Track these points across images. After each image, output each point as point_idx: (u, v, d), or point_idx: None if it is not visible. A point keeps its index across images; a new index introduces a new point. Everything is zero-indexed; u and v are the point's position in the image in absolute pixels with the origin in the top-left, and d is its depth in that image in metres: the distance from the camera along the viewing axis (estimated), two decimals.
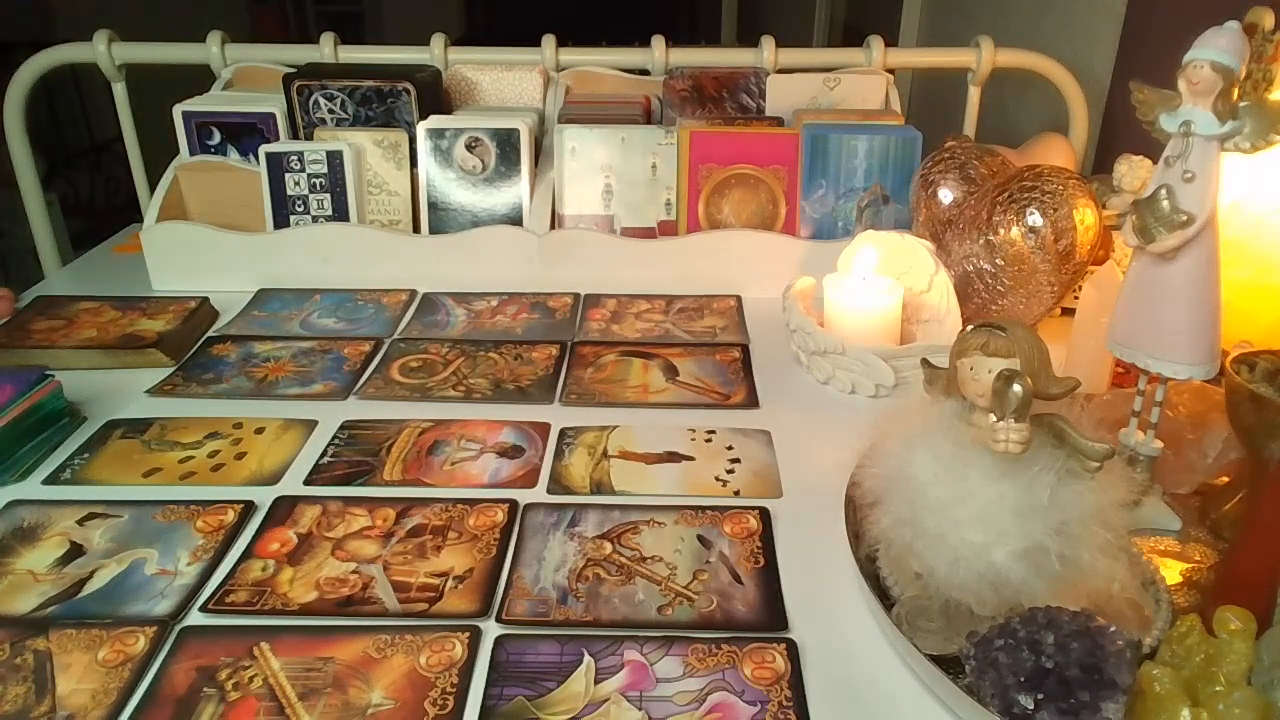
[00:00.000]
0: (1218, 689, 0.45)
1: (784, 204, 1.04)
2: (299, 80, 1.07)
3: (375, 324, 0.96)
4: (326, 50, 1.20)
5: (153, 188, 1.08)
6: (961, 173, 0.89)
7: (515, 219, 1.06)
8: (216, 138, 1.10)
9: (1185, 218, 0.56)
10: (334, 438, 0.76)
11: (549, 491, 0.69)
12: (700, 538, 0.64)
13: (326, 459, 0.73)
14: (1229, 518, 0.63)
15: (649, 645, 0.54)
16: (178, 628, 0.56)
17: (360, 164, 1.05)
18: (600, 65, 1.23)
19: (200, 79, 1.19)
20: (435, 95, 1.13)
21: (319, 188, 1.04)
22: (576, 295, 1.03)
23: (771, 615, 0.57)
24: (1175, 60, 0.55)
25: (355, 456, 0.73)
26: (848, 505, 0.60)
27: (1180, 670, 0.47)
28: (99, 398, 0.81)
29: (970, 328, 0.50)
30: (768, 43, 1.19)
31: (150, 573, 0.60)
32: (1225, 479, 0.67)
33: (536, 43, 1.22)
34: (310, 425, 0.78)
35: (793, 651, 0.54)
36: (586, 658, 0.53)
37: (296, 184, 1.04)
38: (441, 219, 1.06)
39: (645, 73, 1.23)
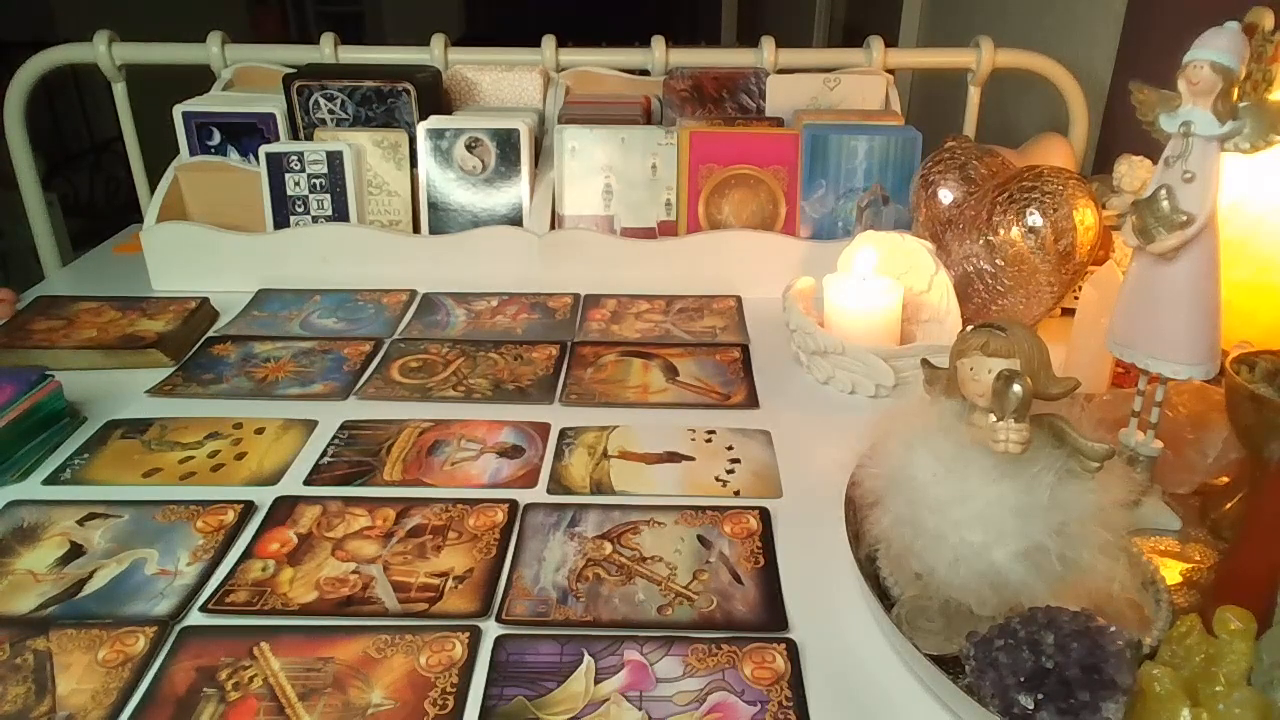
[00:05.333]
0: (1218, 689, 0.45)
1: (784, 204, 1.04)
2: (299, 80, 1.07)
3: (375, 324, 0.96)
4: (326, 50, 1.20)
5: (153, 188, 1.08)
6: (961, 173, 0.89)
7: (515, 219, 1.06)
8: (216, 138, 1.10)
9: (1185, 218, 0.56)
10: (334, 438, 0.76)
11: (549, 491, 0.69)
12: (700, 538, 0.64)
13: (326, 459, 0.73)
14: (1229, 518, 0.63)
15: (649, 645, 0.54)
16: (178, 628, 0.56)
17: (360, 164, 1.05)
18: (600, 65, 1.23)
19: (200, 79, 1.19)
20: (435, 95, 1.13)
21: (319, 188, 1.04)
22: (576, 295, 1.03)
23: (771, 615, 0.57)
24: (1175, 60, 0.55)
25: (355, 456, 0.73)
26: (848, 505, 0.60)
27: (1180, 670, 0.47)
28: (99, 398, 0.81)
29: (970, 328, 0.50)
30: (768, 43, 1.19)
31: (150, 573, 0.60)
32: (1225, 479, 0.67)
33: (536, 43, 1.22)
34: (310, 425, 0.78)
35: (793, 651, 0.54)
36: (586, 658, 0.53)
37: (296, 184, 1.04)
38: (441, 219, 1.06)
39: (645, 73, 1.23)
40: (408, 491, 0.69)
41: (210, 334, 0.94)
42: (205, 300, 0.98)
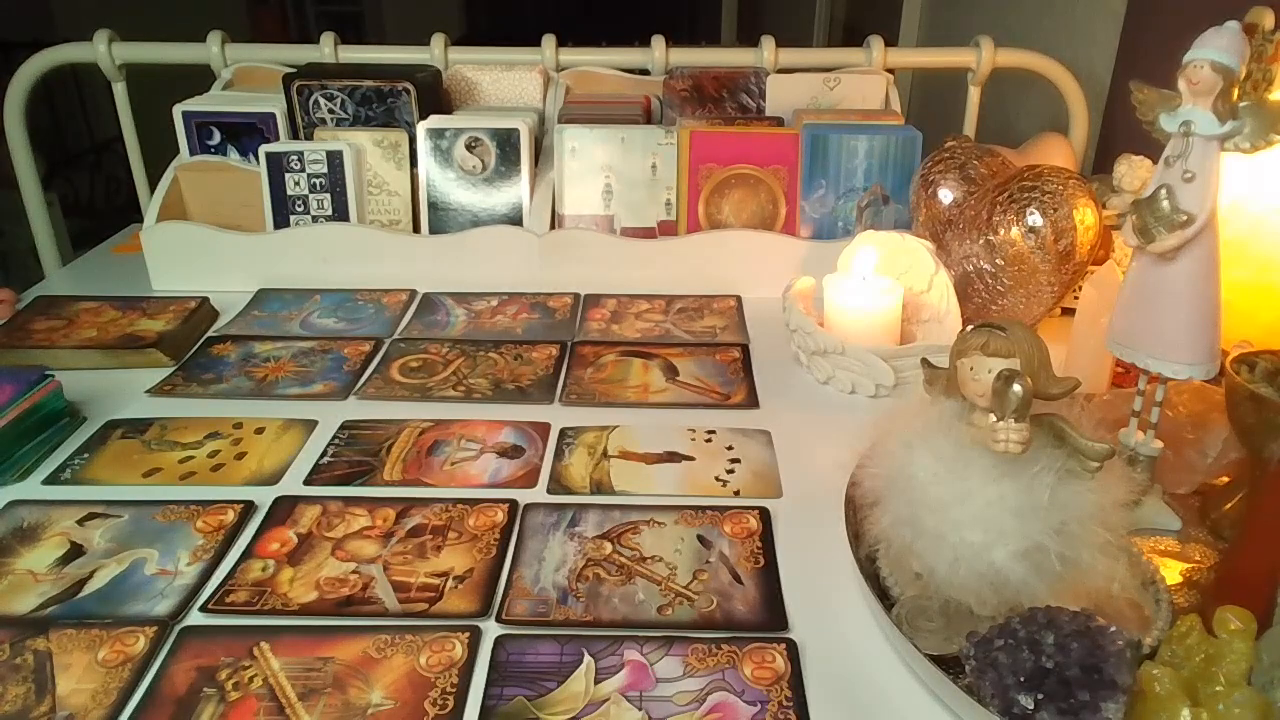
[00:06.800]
0: (1218, 689, 0.45)
1: (784, 204, 1.04)
2: (299, 80, 1.07)
3: (375, 324, 0.96)
4: (326, 50, 1.20)
5: (153, 188, 1.08)
6: (961, 173, 0.89)
7: (515, 219, 1.06)
8: (216, 138, 1.10)
9: (1185, 218, 0.56)
10: (334, 438, 0.76)
11: (549, 491, 0.69)
12: (700, 538, 0.64)
13: (326, 459, 0.73)
14: (1229, 518, 0.63)
15: (649, 645, 0.54)
16: (178, 628, 0.56)
17: (360, 164, 1.05)
18: (600, 65, 1.23)
19: (200, 79, 1.19)
20: (435, 95, 1.13)
21: (319, 188, 1.04)
22: (576, 295, 1.03)
23: (771, 615, 0.57)
24: (1175, 60, 0.55)
25: (355, 456, 0.73)
26: (848, 505, 0.60)
27: (1180, 670, 0.47)
28: (99, 398, 0.81)
29: (970, 328, 0.50)
30: (768, 43, 1.19)
31: (150, 573, 0.60)
32: (1225, 479, 0.67)
33: (536, 43, 1.22)
34: (310, 425, 0.78)
35: (793, 651, 0.54)
36: (586, 658, 0.53)
37: (296, 184, 1.04)
38: (441, 219, 1.06)
39: (645, 73, 1.23)
40: (408, 491, 0.69)
41: (210, 334, 0.94)
42: (205, 300, 0.98)
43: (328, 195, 1.04)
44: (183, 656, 0.53)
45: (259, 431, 0.77)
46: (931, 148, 0.96)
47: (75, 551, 0.62)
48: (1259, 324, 0.74)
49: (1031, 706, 0.44)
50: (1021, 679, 0.45)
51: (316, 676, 0.52)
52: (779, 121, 1.10)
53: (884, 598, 0.55)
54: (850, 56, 1.21)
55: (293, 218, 1.05)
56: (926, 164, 0.92)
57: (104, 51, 1.19)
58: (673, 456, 0.73)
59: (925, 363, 0.54)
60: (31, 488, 0.70)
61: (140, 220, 1.16)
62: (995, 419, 0.47)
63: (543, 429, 0.77)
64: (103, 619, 0.56)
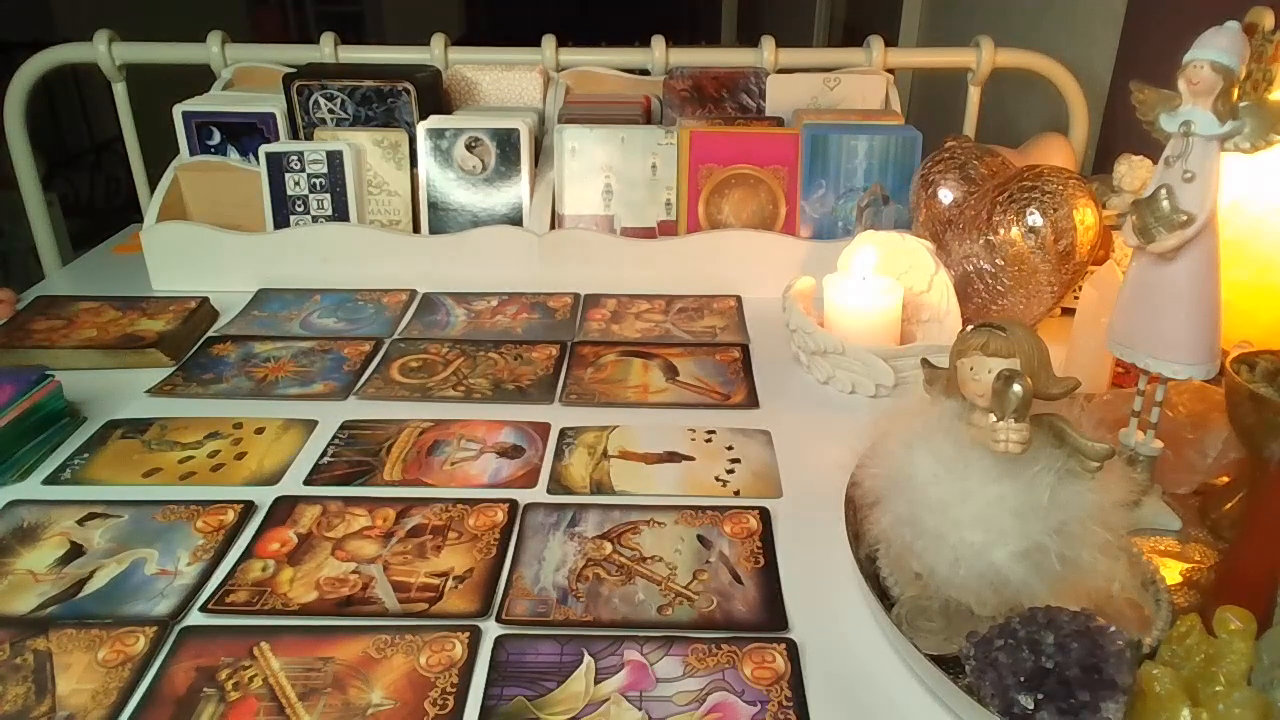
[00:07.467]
0: (1218, 689, 0.45)
1: (784, 204, 1.04)
2: (299, 80, 1.07)
3: (375, 324, 0.96)
4: (326, 50, 1.20)
5: (153, 188, 1.08)
6: (961, 173, 0.89)
7: (515, 219, 1.06)
8: (216, 138, 1.10)
9: (1185, 218, 0.56)
10: (334, 438, 0.76)
11: (549, 491, 0.69)
12: (700, 538, 0.64)
13: (326, 459, 0.73)
14: (1229, 518, 0.63)
15: (649, 645, 0.54)
16: (178, 628, 0.56)
17: (360, 164, 1.05)
18: (600, 65, 1.23)
19: (200, 79, 1.19)
20: (435, 95, 1.13)
21: (319, 188, 1.04)
22: (576, 295, 1.03)
23: (771, 615, 0.57)
24: (1175, 60, 0.55)
25: (355, 456, 0.73)
26: (848, 505, 0.60)
27: (1180, 670, 0.47)
28: (99, 398, 0.81)
29: (970, 328, 0.50)
30: (768, 43, 1.19)
31: (150, 573, 0.60)
32: (1225, 479, 0.67)
33: (536, 43, 1.22)
34: (310, 425, 0.78)
35: (793, 651, 0.54)
36: (586, 658, 0.53)
37: (296, 184, 1.04)
38: (441, 219, 1.06)
39: (645, 73, 1.23)
40: (408, 491, 0.69)
41: (210, 334, 0.94)
42: (205, 300, 0.98)
43: (328, 195, 1.04)
44: (183, 656, 0.53)
45: (259, 431, 0.77)
46: (931, 148, 0.96)
47: (75, 551, 0.62)
48: (1259, 324, 0.74)
49: (1031, 706, 0.44)
50: (1021, 679, 0.45)
51: (316, 676, 0.52)
52: (779, 121, 1.10)
53: (884, 598, 0.55)
54: (850, 56, 1.21)
55: (293, 218, 1.05)
56: (926, 164, 0.92)
57: (104, 51, 1.19)
58: (673, 456, 0.73)
59: (925, 363, 0.54)
60: (31, 488, 0.70)
61: (140, 220, 1.16)
62: (995, 419, 0.47)
63: (543, 429, 0.77)
64: (103, 619, 0.56)
